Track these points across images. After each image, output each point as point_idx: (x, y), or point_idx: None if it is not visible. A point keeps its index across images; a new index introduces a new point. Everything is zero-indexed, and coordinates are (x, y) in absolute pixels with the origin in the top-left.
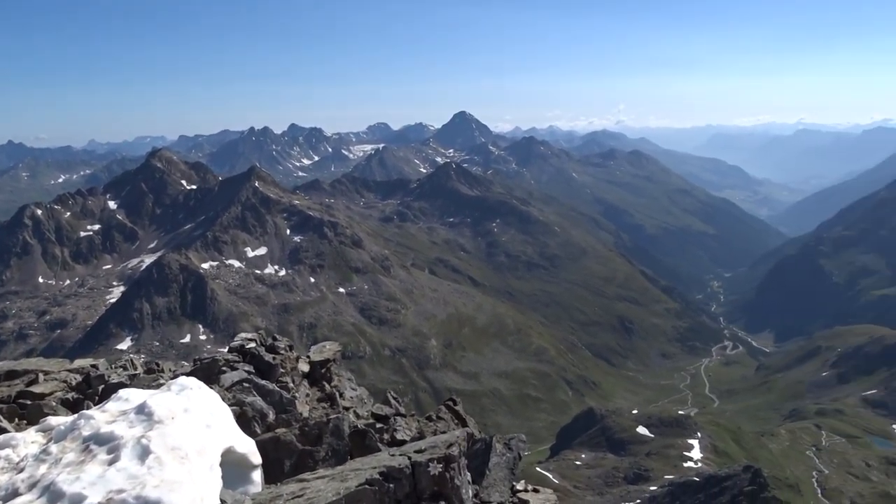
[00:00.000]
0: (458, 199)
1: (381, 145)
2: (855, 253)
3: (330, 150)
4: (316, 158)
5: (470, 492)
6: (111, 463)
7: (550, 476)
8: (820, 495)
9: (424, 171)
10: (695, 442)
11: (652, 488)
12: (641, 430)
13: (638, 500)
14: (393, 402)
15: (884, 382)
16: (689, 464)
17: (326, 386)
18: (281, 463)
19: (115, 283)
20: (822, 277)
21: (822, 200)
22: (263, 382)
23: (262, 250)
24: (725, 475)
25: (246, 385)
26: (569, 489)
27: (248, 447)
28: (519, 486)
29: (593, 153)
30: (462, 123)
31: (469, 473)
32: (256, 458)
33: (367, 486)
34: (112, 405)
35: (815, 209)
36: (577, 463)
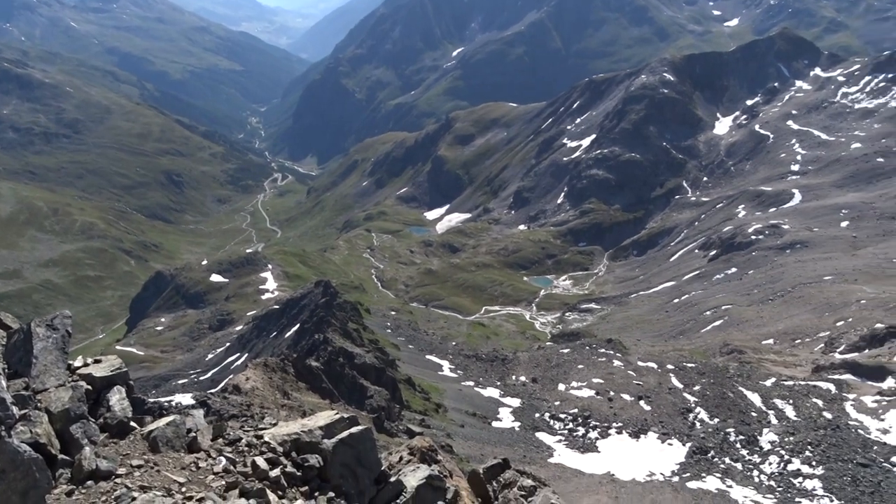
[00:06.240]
0: None
1: None
2: (369, 69)
3: None
4: None
5: (6, 385)
6: None
7: (134, 350)
8: (380, 287)
9: None
10: (268, 275)
11: (238, 328)
12: (215, 277)
13: (227, 343)
14: None
15: (411, 179)
16: (268, 295)
17: None
18: None
19: None
20: (346, 96)
21: (333, 22)
22: None
23: None
24: (301, 295)
25: None
26: (156, 356)
27: None
28: (78, 363)
29: None
30: None
31: (9, 367)
32: None
33: None
34: None
35: (329, 32)
36: (159, 328)
